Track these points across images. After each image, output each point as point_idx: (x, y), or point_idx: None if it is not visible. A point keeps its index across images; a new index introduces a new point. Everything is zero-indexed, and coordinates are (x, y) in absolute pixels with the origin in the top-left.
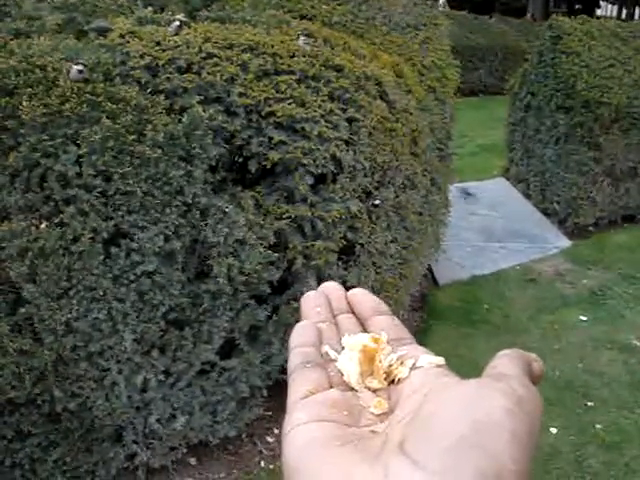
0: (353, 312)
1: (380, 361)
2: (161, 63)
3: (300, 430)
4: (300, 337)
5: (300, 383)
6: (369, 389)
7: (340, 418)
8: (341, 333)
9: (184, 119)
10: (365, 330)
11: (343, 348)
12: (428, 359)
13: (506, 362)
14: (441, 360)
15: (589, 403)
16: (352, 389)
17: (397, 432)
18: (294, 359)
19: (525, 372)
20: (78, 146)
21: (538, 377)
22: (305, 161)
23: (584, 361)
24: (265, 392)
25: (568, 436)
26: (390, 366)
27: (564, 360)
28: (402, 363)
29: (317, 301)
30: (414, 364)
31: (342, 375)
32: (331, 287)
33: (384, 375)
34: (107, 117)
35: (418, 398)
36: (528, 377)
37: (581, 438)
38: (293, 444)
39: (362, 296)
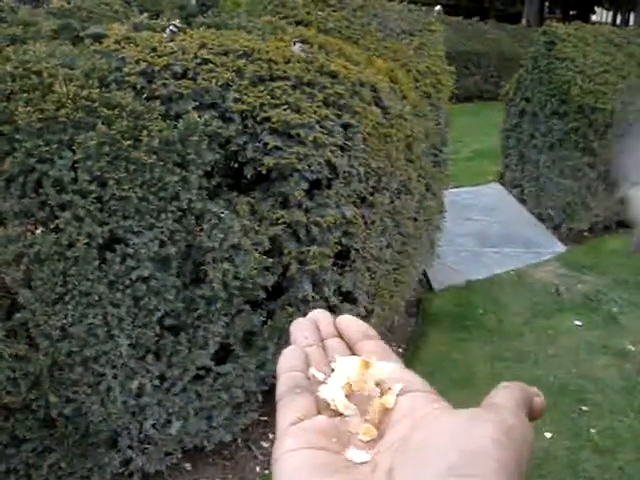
0: (341, 337)
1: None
2: (157, 69)
3: (290, 457)
4: (288, 362)
5: (289, 409)
6: (360, 403)
7: (329, 445)
8: (329, 356)
9: (179, 125)
10: (354, 354)
11: (332, 370)
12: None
13: (502, 393)
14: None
15: (583, 408)
16: (340, 414)
17: (386, 459)
18: (282, 384)
19: (520, 404)
20: (74, 152)
21: (539, 412)
22: (300, 166)
23: (578, 366)
24: (260, 397)
25: (562, 440)
26: (380, 394)
27: (558, 365)
28: (389, 389)
29: (305, 326)
30: (402, 390)
31: (329, 404)
32: (319, 314)
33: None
34: (102, 123)
35: (407, 424)
36: (523, 409)
37: (575, 442)
38: (283, 471)
39: (350, 321)
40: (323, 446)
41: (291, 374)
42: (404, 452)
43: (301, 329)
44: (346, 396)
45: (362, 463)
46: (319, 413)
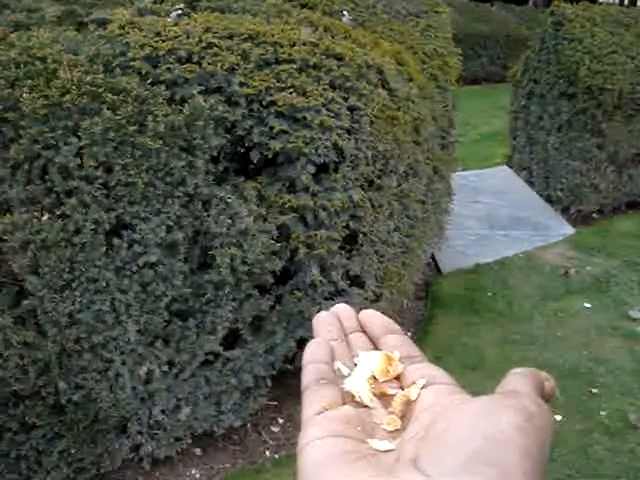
0: (364, 332)
1: (395, 378)
2: (161, 53)
3: (315, 445)
4: (313, 354)
5: (314, 399)
6: (384, 396)
7: (354, 434)
8: (353, 351)
9: (185, 109)
10: (377, 348)
11: (355, 365)
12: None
13: (518, 380)
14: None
15: (594, 390)
16: (365, 406)
17: (410, 448)
18: (308, 375)
19: (536, 389)
20: (79, 137)
21: (549, 396)
22: (307, 150)
23: (588, 348)
24: (269, 382)
25: (573, 423)
26: (401, 389)
27: (568, 347)
28: (414, 383)
29: (329, 320)
30: (425, 384)
31: (353, 396)
32: (342, 308)
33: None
34: (108, 108)
35: (430, 415)
36: (539, 394)
37: (586, 425)
38: (309, 458)
39: (372, 316)
40: (348, 435)
41: (317, 366)
42: (427, 441)
43: (324, 323)
44: (370, 390)
45: (386, 452)
46: (344, 404)
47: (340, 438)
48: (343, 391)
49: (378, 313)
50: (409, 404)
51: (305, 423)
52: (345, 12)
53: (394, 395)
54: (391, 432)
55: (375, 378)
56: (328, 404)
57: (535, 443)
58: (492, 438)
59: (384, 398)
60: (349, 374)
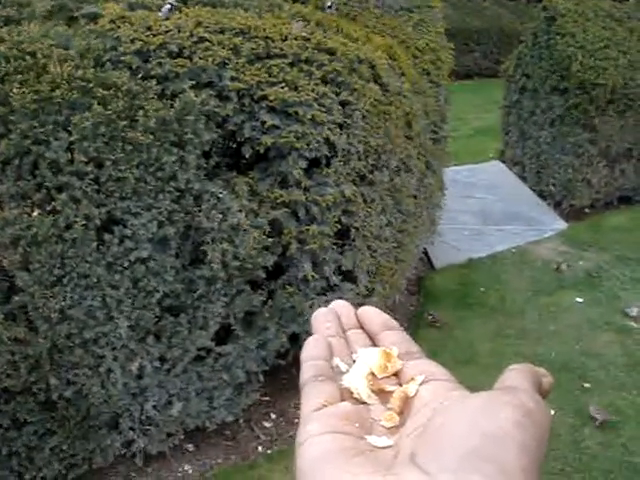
0: (363, 328)
1: (394, 375)
2: (152, 48)
3: (314, 441)
4: (312, 351)
5: (313, 395)
6: (382, 393)
7: (352, 430)
8: (351, 347)
9: (176, 104)
10: (375, 345)
11: (354, 361)
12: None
13: (516, 376)
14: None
15: (586, 384)
16: (363, 403)
17: (408, 444)
18: (306, 372)
19: (534, 385)
20: (69, 133)
21: (547, 392)
22: (298, 145)
23: (580, 343)
24: (262, 377)
25: (565, 417)
26: (400, 385)
27: (561, 342)
28: (412, 379)
29: (327, 317)
30: (424, 380)
31: (352, 393)
32: (341, 305)
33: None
34: (98, 103)
35: (428, 411)
36: (537, 390)
37: (578, 419)
38: (307, 454)
39: (371, 313)
40: (346, 431)
41: (315, 362)
42: (425, 437)
43: (322, 320)
44: (369, 386)
45: (384, 448)
46: (342, 401)
47: (338, 434)
48: (341, 388)
49: (377, 310)
50: (407, 400)
51: (303, 419)
52: (329, 3)
53: (392, 391)
54: (389, 428)
55: (373, 374)
56: (326, 400)
57: (533, 439)
58: (491, 434)
59: (382, 394)
60: (347, 371)
